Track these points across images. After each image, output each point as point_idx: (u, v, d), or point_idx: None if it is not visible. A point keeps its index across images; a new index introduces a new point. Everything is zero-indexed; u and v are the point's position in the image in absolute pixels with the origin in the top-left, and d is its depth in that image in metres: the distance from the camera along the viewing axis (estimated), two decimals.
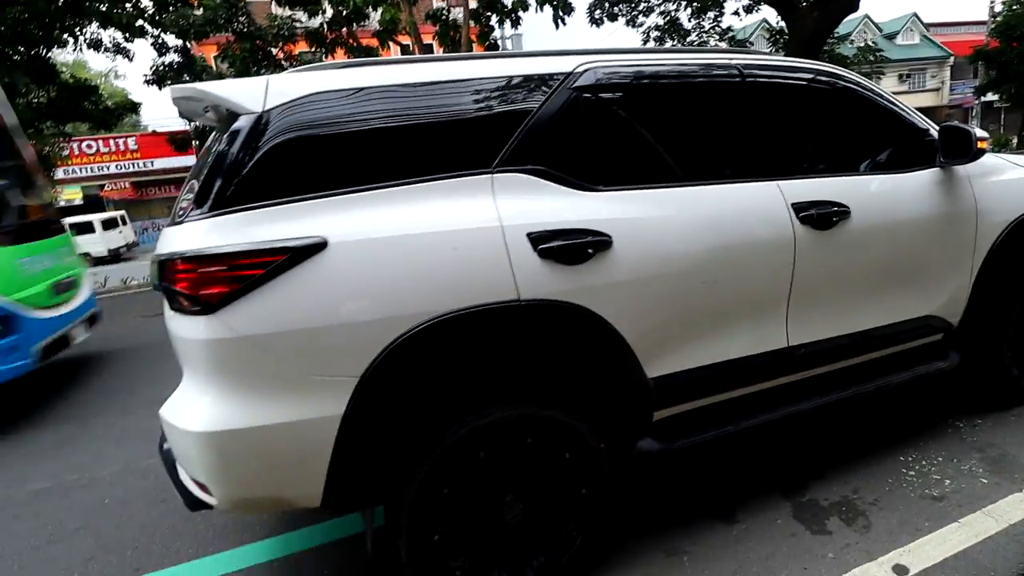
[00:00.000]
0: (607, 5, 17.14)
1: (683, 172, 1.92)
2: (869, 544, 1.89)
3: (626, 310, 1.73)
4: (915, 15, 33.79)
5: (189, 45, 11.54)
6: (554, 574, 1.79)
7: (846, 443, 2.53)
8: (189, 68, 11.47)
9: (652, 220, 1.78)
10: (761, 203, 1.97)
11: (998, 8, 23.22)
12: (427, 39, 13.83)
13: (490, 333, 1.62)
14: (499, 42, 14.79)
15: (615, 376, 1.80)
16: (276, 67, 10.85)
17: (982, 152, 2.23)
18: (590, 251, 1.66)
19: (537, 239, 1.61)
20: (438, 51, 14.06)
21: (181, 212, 1.62)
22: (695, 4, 17.15)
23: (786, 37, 14.83)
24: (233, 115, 1.56)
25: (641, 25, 17.91)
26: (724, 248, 1.88)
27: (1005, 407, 2.64)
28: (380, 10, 11.96)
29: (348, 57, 12.55)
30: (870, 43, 21.82)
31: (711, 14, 17.46)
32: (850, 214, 2.06)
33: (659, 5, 17.71)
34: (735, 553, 1.93)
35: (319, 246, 1.44)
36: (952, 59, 33.25)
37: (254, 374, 1.44)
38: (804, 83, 2.22)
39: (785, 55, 13.48)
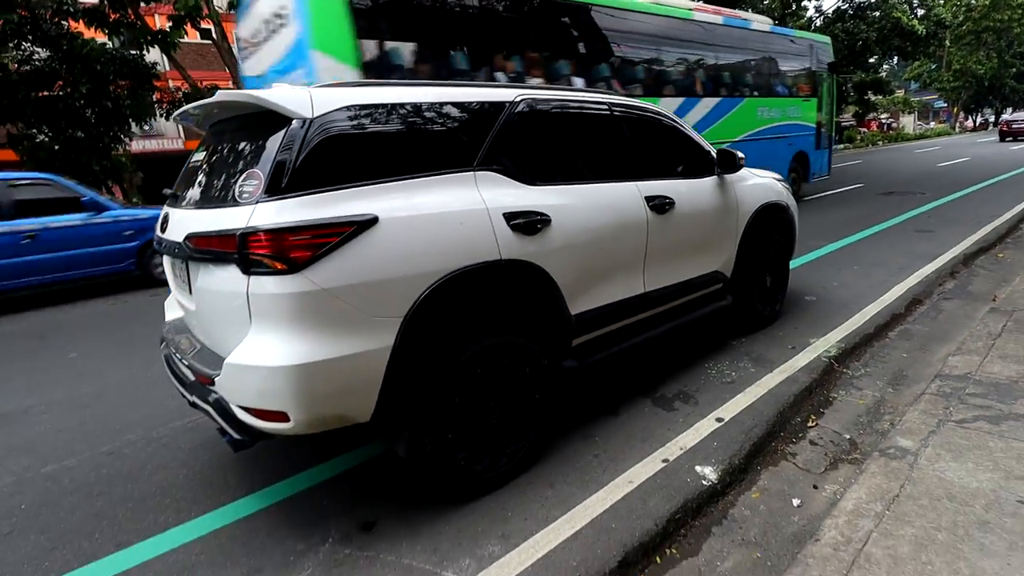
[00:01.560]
0: None
1: (584, 173, 2.81)
2: (699, 410, 3.01)
3: (559, 267, 2.54)
4: None
5: None
6: (519, 458, 2.52)
7: (675, 358, 3.71)
8: None
9: (571, 206, 2.62)
10: (628, 196, 2.94)
11: None
12: (229, 27, 12.95)
13: (483, 282, 2.28)
14: None
15: (553, 313, 2.59)
16: (52, 46, 9.24)
17: (741, 166, 3.55)
18: (539, 226, 2.44)
19: (508, 217, 2.33)
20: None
21: (218, 196, 1.98)
22: None
23: None
24: (274, 118, 1.98)
25: None
26: (610, 225, 2.80)
27: (757, 329, 4.10)
28: None
29: (138, 38, 11.20)
30: None
31: None
32: (675, 204, 3.16)
33: None
34: (625, 431, 2.88)
35: (373, 221, 1.97)
36: None
37: (328, 318, 1.90)
38: (646, 117, 3.28)
39: None
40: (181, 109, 2.40)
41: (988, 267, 5.52)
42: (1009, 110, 52.10)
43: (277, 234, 1.83)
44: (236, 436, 2.03)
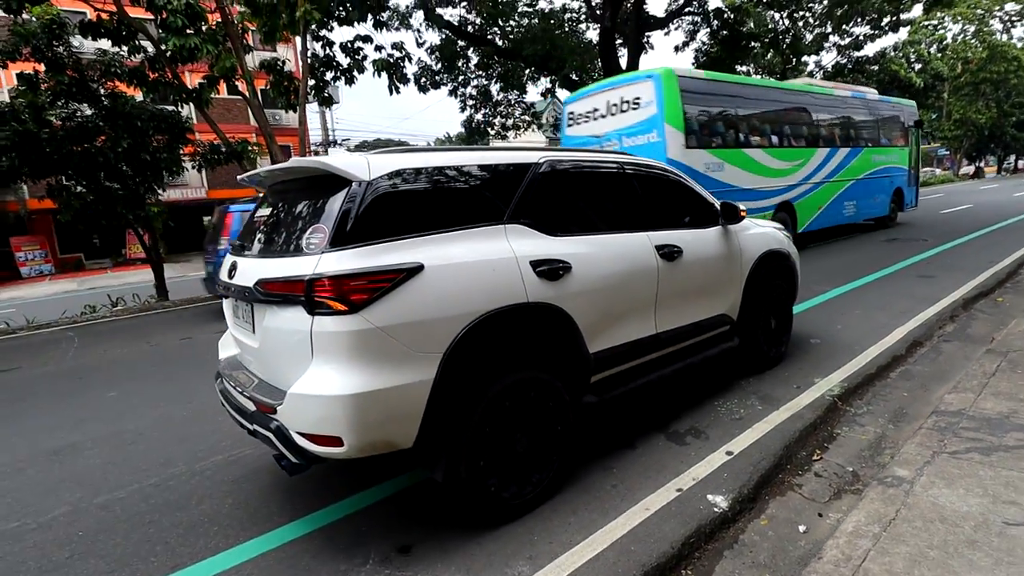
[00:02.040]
0: (431, 74, 18.98)
1: (600, 225, 3.11)
2: (710, 444, 3.20)
3: (579, 309, 2.81)
4: None
5: None
6: (543, 487, 2.72)
7: (687, 397, 3.91)
8: None
9: (589, 255, 2.91)
10: (640, 245, 3.24)
11: None
12: (259, 84, 13.78)
13: (512, 323, 2.55)
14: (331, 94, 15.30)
15: (574, 351, 2.84)
16: (95, 103, 9.95)
17: (743, 218, 3.86)
18: (561, 272, 2.73)
19: (534, 264, 2.63)
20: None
21: (286, 246, 2.30)
22: (502, 83, 19.97)
23: None
24: (334, 181, 2.31)
25: (462, 95, 20.08)
26: (624, 272, 3.09)
27: (763, 370, 4.31)
28: (211, 54, 11.82)
29: (171, 98, 11.96)
30: None
31: (515, 93, 20.46)
32: (683, 252, 3.45)
33: (474, 79, 20.14)
34: (641, 463, 3.07)
35: (420, 268, 2.26)
36: None
37: (380, 353, 2.17)
38: (653, 174, 3.61)
39: None
40: (251, 172, 2.76)
41: (987, 311, 5.71)
42: (1012, 157, 52.88)
43: (340, 280, 2.12)
44: (294, 460, 2.27)
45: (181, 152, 11.69)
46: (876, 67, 26.35)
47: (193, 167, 12.32)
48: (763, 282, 4.18)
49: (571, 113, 10.27)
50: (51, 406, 4.99)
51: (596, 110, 9.60)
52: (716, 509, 2.60)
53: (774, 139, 10.39)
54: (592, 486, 2.87)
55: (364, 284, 2.14)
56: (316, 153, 22.00)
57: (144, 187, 10.69)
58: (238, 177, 3.14)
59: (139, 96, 11.43)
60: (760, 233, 4.24)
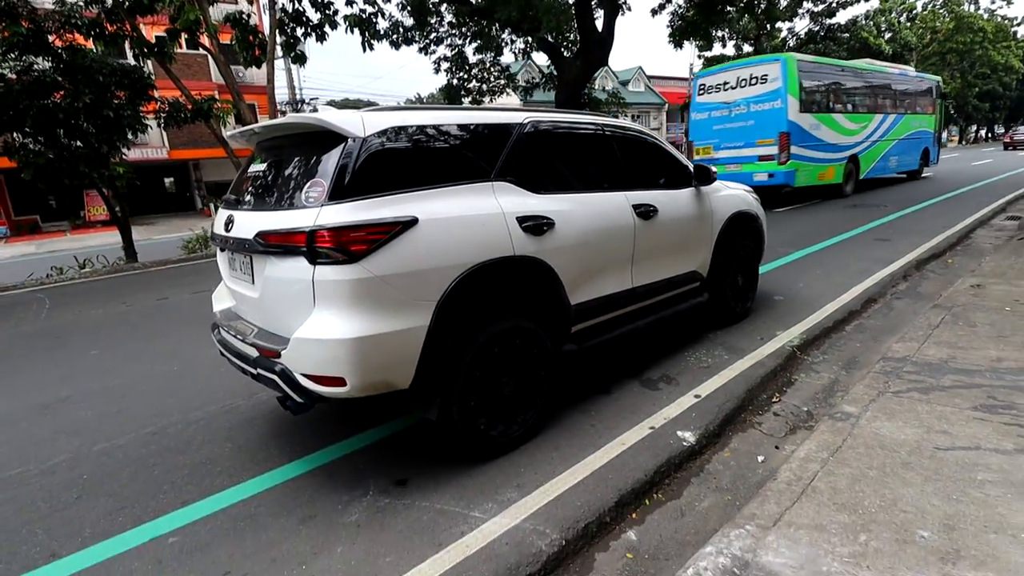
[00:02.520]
0: (402, 31, 18.43)
1: (581, 184, 3.27)
2: (680, 389, 3.48)
3: (561, 263, 2.98)
4: (640, 68, 42.25)
5: None
6: (528, 425, 2.95)
7: (659, 348, 4.18)
8: None
9: (571, 212, 3.07)
10: (618, 204, 3.41)
11: (696, 70, 30.81)
12: (224, 39, 13.27)
13: (499, 274, 2.72)
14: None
15: (556, 302, 3.03)
16: (54, 57, 9.48)
17: (714, 179, 4.06)
18: (545, 228, 2.89)
19: (520, 220, 2.78)
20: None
21: (284, 200, 2.40)
22: (478, 42, 19.54)
23: (556, 79, 18.04)
24: (330, 137, 2.41)
25: (433, 53, 19.60)
26: (603, 229, 3.26)
27: (730, 324, 4.60)
28: (172, 5, 11.32)
29: (134, 51, 11.48)
30: (614, 88, 27.07)
31: (490, 54, 20.05)
32: (658, 211, 3.65)
33: (447, 37, 19.64)
34: (617, 406, 3.33)
35: (414, 221, 2.40)
36: (667, 105, 42.44)
37: (379, 300, 2.32)
38: (630, 136, 3.77)
39: (556, 95, 16.41)
40: (243, 128, 2.81)
41: (938, 271, 6.12)
42: (973, 127, 54.36)
43: (340, 231, 2.24)
44: (298, 400, 2.43)
45: (142, 110, 11.27)
46: (847, 35, 26.66)
47: (159, 125, 11.91)
48: (732, 241, 4.42)
49: (702, 84, 13.29)
50: (32, 364, 5.00)
51: (727, 83, 12.61)
52: (685, 443, 2.86)
53: (850, 107, 13.50)
54: (572, 426, 3.11)
55: (363, 235, 2.26)
56: (283, 113, 21.33)
57: (107, 145, 10.33)
58: (227, 134, 3.17)
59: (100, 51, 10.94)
60: (730, 195, 4.46)
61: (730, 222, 4.35)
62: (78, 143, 10.19)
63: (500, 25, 17.92)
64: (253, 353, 2.61)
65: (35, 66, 9.92)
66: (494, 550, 2.18)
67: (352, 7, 13.95)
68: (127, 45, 11.51)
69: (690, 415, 3.14)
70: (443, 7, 18.39)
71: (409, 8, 18.05)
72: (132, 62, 11.42)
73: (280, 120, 2.56)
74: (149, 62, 12.16)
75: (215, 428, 3.43)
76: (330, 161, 2.38)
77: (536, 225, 2.84)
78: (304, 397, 2.41)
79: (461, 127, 2.78)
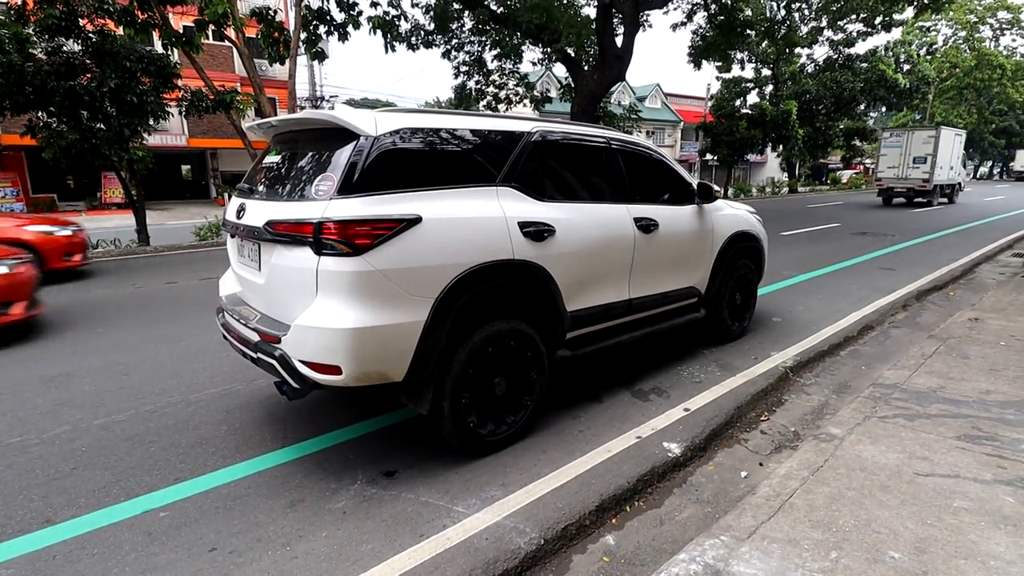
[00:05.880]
0: (424, 35, 18.67)
1: (585, 194, 3.34)
2: (670, 402, 3.52)
3: (559, 269, 3.05)
4: (658, 85, 42.45)
5: None
6: (517, 426, 3.00)
7: (653, 361, 4.23)
8: None
9: (572, 220, 3.14)
10: (620, 216, 3.48)
11: (713, 90, 30.97)
12: (250, 32, 13.50)
13: (498, 277, 2.78)
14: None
15: (552, 308, 3.09)
16: (84, 40, 9.70)
17: (717, 197, 4.12)
18: (545, 235, 2.96)
19: (522, 225, 2.85)
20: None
21: (294, 191, 2.49)
22: (498, 49, 19.74)
23: (572, 91, 18.19)
24: (343, 134, 2.49)
25: (455, 59, 19.82)
26: (603, 239, 3.33)
27: (726, 342, 4.65)
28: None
29: (162, 39, 11.69)
30: (632, 103, 27.22)
31: (510, 62, 20.23)
32: (659, 226, 3.71)
33: (467, 43, 19.86)
34: (607, 414, 3.38)
35: (418, 219, 2.47)
36: (682, 124, 42.58)
37: (379, 293, 2.39)
38: (637, 151, 3.84)
39: (572, 107, 16.52)
40: (262, 120, 2.90)
41: (938, 303, 6.14)
42: (988, 163, 54.14)
43: (345, 224, 2.32)
44: (295, 386, 2.50)
45: (164, 97, 11.47)
46: (865, 64, 26.69)
47: (180, 113, 12.12)
48: (731, 260, 4.47)
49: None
50: (38, 338, 5.10)
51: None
52: (670, 454, 2.91)
53: None
54: (561, 431, 3.17)
55: (368, 230, 2.34)
56: (303, 108, 21.59)
57: (129, 129, 10.52)
58: (246, 125, 3.26)
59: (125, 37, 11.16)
60: (732, 215, 4.51)
61: (730, 241, 4.41)
62: (101, 125, 10.39)
63: (521, 35, 18.13)
64: (254, 338, 2.68)
65: (64, 48, 10.15)
66: (474, 544, 2.23)
67: (376, 9, 14.15)
68: (156, 34, 11.73)
69: (677, 427, 3.18)
70: (465, 14, 18.62)
71: (432, 13, 18.31)
72: (159, 50, 11.64)
73: (297, 115, 2.66)
74: (175, 51, 12.40)
75: (213, 410, 3.50)
76: (341, 157, 2.47)
77: (537, 231, 2.91)
78: (301, 383, 2.49)
79: (470, 132, 2.86)
